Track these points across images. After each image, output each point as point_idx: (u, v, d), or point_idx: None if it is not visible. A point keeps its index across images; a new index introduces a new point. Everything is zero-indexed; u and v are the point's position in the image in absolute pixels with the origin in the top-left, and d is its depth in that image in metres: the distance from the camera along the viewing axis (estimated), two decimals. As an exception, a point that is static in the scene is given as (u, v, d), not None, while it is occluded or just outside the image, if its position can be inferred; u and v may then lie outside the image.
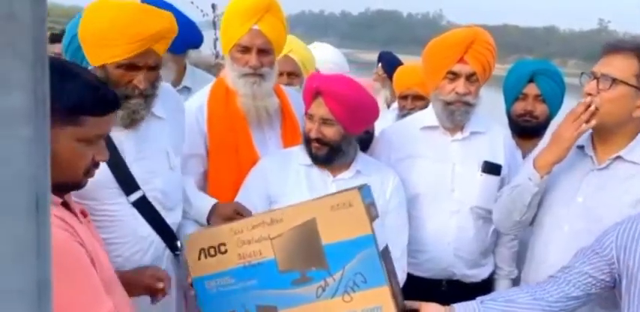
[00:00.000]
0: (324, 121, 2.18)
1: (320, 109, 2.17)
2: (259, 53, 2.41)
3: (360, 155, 2.36)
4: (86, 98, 1.47)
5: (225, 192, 2.40)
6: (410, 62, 3.89)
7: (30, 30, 0.46)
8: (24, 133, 0.47)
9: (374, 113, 2.29)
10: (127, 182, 2.02)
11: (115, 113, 1.58)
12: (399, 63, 4.32)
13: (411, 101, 3.28)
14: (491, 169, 2.49)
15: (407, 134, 2.56)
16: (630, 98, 1.97)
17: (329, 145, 2.22)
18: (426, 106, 3.14)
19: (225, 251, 1.86)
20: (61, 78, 1.46)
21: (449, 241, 2.47)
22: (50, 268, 0.51)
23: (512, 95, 2.82)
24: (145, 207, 2.06)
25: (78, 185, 1.58)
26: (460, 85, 2.39)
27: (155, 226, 2.11)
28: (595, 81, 1.98)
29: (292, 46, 3.04)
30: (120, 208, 2.01)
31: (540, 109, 2.78)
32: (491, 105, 2.75)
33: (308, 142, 2.23)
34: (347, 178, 2.27)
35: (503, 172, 2.51)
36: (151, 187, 2.07)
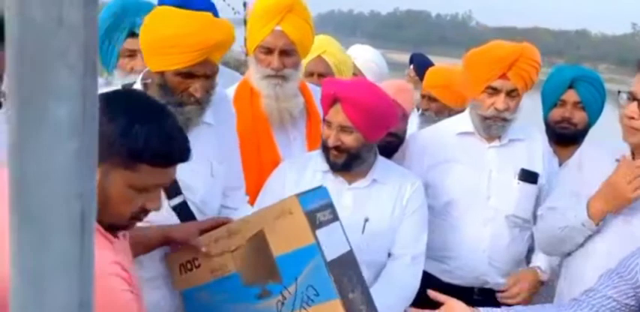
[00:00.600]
0: (343, 129, 2.12)
1: (338, 116, 2.11)
2: (282, 54, 2.39)
3: (380, 162, 2.28)
4: (152, 147, 1.36)
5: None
6: (441, 64, 3.84)
7: (81, 36, 0.42)
8: (70, 147, 0.43)
9: (394, 120, 2.23)
10: (170, 186, 1.98)
11: (175, 169, 1.49)
12: (431, 64, 4.26)
13: (427, 102, 3.24)
14: (529, 177, 2.44)
15: (442, 139, 2.51)
16: None
17: (347, 152, 2.15)
18: (439, 110, 3.12)
19: (199, 266, 1.86)
20: (140, 117, 1.38)
21: (483, 248, 2.42)
22: (92, 290, 0.48)
23: (551, 101, 2.75)
24: (184, 212, 2.04)
25: (123, 228, 1.50)
26: (500, 101, 2.35)
27: None
28: (635, 103, 1.90)
29: (326, 48, 3.01)
30: (160, 212, 1.98)
31: (579, 117, 2.72)
32: (528, 110, 2.69)
33: (326, 148, 2.18)
34: (362, 187, 2.21)
35: (541, 180, 2.46)
36: (192, 193, 2.05)
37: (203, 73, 1.94)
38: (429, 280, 2.34)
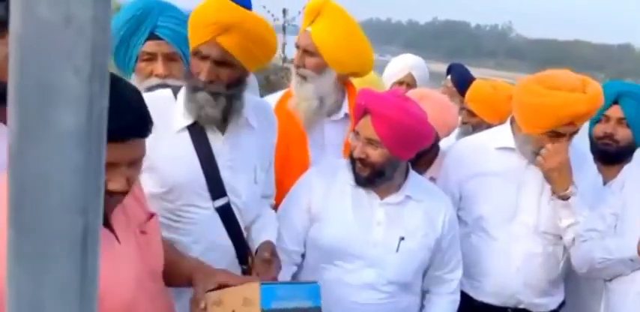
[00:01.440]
0: (369, 142, 2.03)
1: (367, 128, 2.02)
2: (304, 53, 2.39)
3: (412, 178, 2.18)
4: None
5: None
6: (484, 78, 3.77)
7: (89, 36, 0.38)
8: (74, 158, 0.39)
9: (425, 139, 2.11)
10: (215, 186, 1.98)
11: (140, 141, 1.36)
12: (470, 77, 4.18)
13: (466, 115, 3.16)
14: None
15: (480, 152, 2.41)
16: None
17: (372, 167, 2.05)
18: (478, 125, 3.01)
19: None
20: None
21: (517, 266, 2.32)
22: (95, 311, 0.44)
23: (595, 117, 2.63)
24: (227, 215, 2.01)
25: None
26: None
27: (233, 236, 2.06)
28: None
29: None
30: (204, 211, 1.98)
31: (622, 133, 2.61)
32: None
33: (352, 159, 2.09)
34: (394, 203, 2.11)
35: (573, 198, 2.31)
36: (235, 196, 2.02)
37: (209, 54, 1.87)
38: (462, 299, 2.27)
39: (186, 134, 1.95)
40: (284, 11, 11.16)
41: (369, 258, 2.06)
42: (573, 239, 2.24)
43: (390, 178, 2.08)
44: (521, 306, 2.35)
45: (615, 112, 2.60)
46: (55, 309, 0.41)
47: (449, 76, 4.10)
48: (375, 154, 2.03)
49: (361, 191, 2.11)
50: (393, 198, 2.11)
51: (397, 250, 2.07)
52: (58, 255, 0.41)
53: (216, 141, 1.98)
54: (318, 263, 2.12)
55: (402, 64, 3.52)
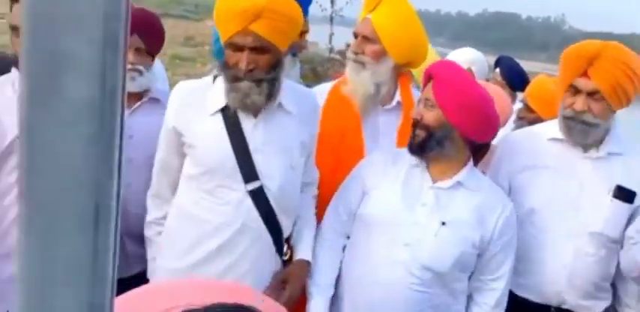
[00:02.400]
0: (426, 103, 2.07)
1: (427, 91, 2.08)
2: (363, 40, 2.42)
3: (471, 168, 2.16)
4: None
5: (321, 176, 2.38)
6: (535, 71, 3.69)
7: (100, 4, 0.37)
8: (85, 130, 0.38)
9: (488, 117, 2.08)
10: (247, 170, 2.02)
11: None
12: (520, 70, 4.08)
13: (525, 110, 3.13)
14: (625, 195, 2.25)
15: (534, 143, 2.37)
16: None
17: (425, 129, 2.06)
18: (534, 121, 2.94)
19: None
20: None
21: (564, 264, 2.25)
22: (106, 293, 0.42)
23: None
24: (260, 198, 2.04)
25: None
26: (579, 102, 2.20)
27: (267, 221, 2.07)
28: None
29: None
30: (236, 194, 2.01)
31: None
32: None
33: (413, 128, 2.12)
34: (445, 188, 2.09)
35: (638, 200, 2.26)
36: (268, 180, 2.04)
37: (244, 43, 1.91)
38: None
39: (219, 117, 2.01)
40: (332, 1, 11.11)
41: (407, 236, 2.05)
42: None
43: (442, 147, 2.06)
44: (565, 306, 2.29)
45: None
46: (66, 282, 0.39)
47: (497, 69, 4.01)
48: (429, 115, 2.05)
49: (417, 171, 2.13)
50: (445, 183, 2.11)
51: (436, 235, 2.04)
52: (69, 231, 0.39)
53: (248, 124, 2.02)
54: (361, 238, 2.14)
55: (462, 59, 3.48)
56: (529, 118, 3.08)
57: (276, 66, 1.97)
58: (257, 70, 1.93)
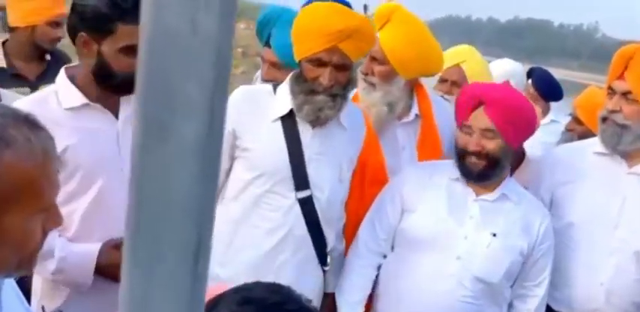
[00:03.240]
0: (484, 133, 2.06)
1: (481, 119, 2.06)
2: (372, 60, 2.38)
3: (510, 179, 2.21)
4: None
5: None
6: (566, 79, 3.66)
7: (214, 46, 0.38)
8: (192, 168, 0.40)
9: (534, 125, 2.17)
10: (300, 178, 2.06)
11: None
12: (553, 80, 4.04)
13: (574, 123, 3.10)
14: None
15: (577, 157, 2.38)
16: None
17: (487, 158, 2.08)
18: (584, 134, 2.93)
19: None
20: None
21: (602, 281, 2.23)
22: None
23: None
24: (308, 207, 2.08)
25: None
26: (612, 103, 2.22)
27: (312, 230, 2.11)
28: None
29: (466, 57, 3.06)
30: (286, 200, 2.07)
31: None
32: None
33: (462, 156, 2.11)
34: (491, 200, 2.13)
35: None
36: (318, 191, 2.10)
37: (330, 60, 1.98)
38: None
39: (279, 124, 2.07)
40: (365, 7, 11.13)
41: (458, 249, 2.08)
42: None
43: (504, 168, 2.10)
44: None
45: None
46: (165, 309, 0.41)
47: (530, 80, 3.97)
48: (492, 145, 2.05)
49: (458, 186, 2.15)
50: (489, 195, 2.14)
51: (488, 246, 2.06)
52: (171, 264, 0.41)
53: (306, 134, 2.08)
54: (406, 253, 2.15)
55: (501, 71, 3.46)
56: (578, 130, 3.05)
57: (350, 83, 2.07)
58: (336, 86, 2.01)
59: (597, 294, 2.24)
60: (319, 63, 1.99)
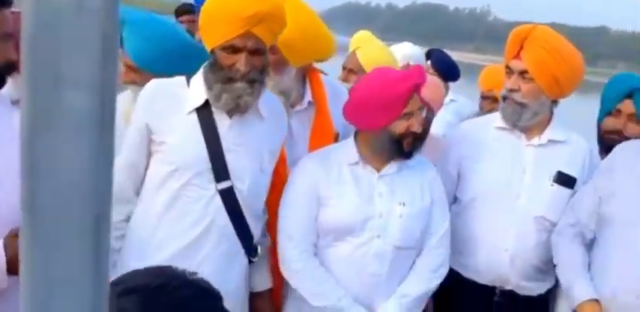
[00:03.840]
0: (421, 112, 2.21)
1: (418, 102, 2.18)
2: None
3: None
4: None
5: None
6: (462, 60, 3.80)
7: (100, 22, 0.39)
8: (86, 142, 0.40)
9: None
10: (219, 169, 2.04)
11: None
12: (450, 61, 4.19)
13: (490, 103, 3.20)
14: (565, 181, 2.35)
15: (480, 132, 2.48)
16: None
17: (423, 134, 2.24)
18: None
19: None
20: None
21: (506, 247, 2.36)
22: (105, 296, 0.44)
23: (606, 109, 2.57)
24: (230, 198, 2.06)
25: None
26: (510, 81, 2.32)
27: (235, 221, 2.09)
28: None
29: (360, 44, 3.05)
30: (206, 192, 2.04)
31: (632, 130, 2.50)
32: (582, 113, 2.61)
33: (399, 141, 2.16)
34: (391, 173, 2.22)
35: (578, 186, 2.36)
36: (239, 182, 2.07)
37: (245, 46, 1.95)
38: (451, 275, 2.31)
39: (195, 116, 2.04)
40: None
41: (376, 229, 2.16)
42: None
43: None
44: (509, 287, 2.39)
45: (627, 107, 2.48)
46: (69, 287, 0.42)
47: (428, 62, 4.08)
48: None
49: (359, 168, 2.22)
50: (388, 169, 2.23)
51: (400, 216, 2.18)
52: (71, 240, 0.41)
53: (223, 124, 2.05)
54: (329, 243, 2.20)
55: (401, 54, 3.49)
56: (497, 108, 3.16)
57: (265, 67, 2.04)
58: (252, 71, 1.98)
59: (502, 260, 2.35)
60: (233, 50, 1.96)
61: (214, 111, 2.04)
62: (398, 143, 2.16)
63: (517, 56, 2.30)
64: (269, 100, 2.15)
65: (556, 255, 2.27)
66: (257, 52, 1.98)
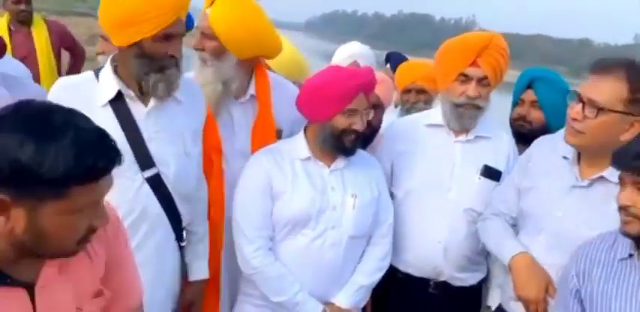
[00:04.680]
0: (367, 112, 2.27)
1: (363, 102, 2.25)
2: (202, 36, 2.40)
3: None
4: (73, 166, 1.13)
5: None
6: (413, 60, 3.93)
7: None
8: None
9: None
10: (143, 157, 2.05)
11: (110, 177, 1.23)
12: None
13: (415, 95, 3.29)
14: (491, 174, 2.47)
15: (412, 129, 2.58)
16: (618, 124, 1.91)
17: (364, 135, 2.33)
18: (428, 100, 3.22)
19: None
20: (43, 137, 1.13)
21: (439, 240, 2.46)
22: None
23: (513, 101, 2.84)
24: (158, 185, 2.09)
25: (73, 253, 1.29)
26: (471, 89, 2.39)
27: (166, 207, 2.12)
28: (581, 106, 1.93)
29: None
30: (133, 183, 2.06)
31: (535, 115, 2.76)
32: (504, 111, 2.75)
33: (340, 137, 2.25)
34: (341, 168, 2.33)
35: (503, 179, 2.47)
36: (164, 167, 2.10)
37: (177, 33, 1.99)
38: (387, 270, 2.42)
39: (109, 109, 2.04)
40: None
41: (331, 221, 2.26)
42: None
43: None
44: (442, 279, 2.49)
45: (529, 95, 2.75)
46: None
47: (388, 65, 4.19)
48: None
49: (311, 163, 2.32)
50: (338, 164, 2.34)
51: (353, 208, 2.30)
52: None
53: (140, 113, 2.06)
54: (285, 236, 2.28)
55: (347, 53, 3.57)
56: (422, 99, 3.29)
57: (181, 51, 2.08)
58: (180, 57, 2.04)
59: (436, 252, 2.45)
60: (166, 37, 1.98)
61: (128, 101, 2.05)
62: (339, 139, 2.25)
63: (474, 64, 2.37)
64: (185, 83, 2.16)
65: (483, 234, 2.34)
66: (180, 37, 2.03)
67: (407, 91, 3.32)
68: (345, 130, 2.23)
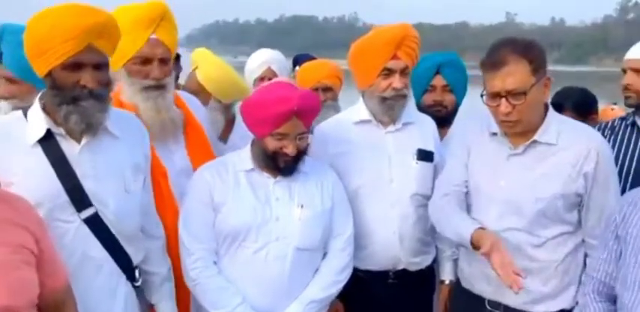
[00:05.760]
0: (300, 137, 2.22)
1: (296, 127, 2.19)
2: (161, 63, 2.40)
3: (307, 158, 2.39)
4: None
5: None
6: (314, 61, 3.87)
7: None
8: None
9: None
10: (78, 197, 1.94)
11: None
12: None
13: (323, 93, 3.28)
14: (425, 156, 2.58)
15: (341, 129, 2.60)
16: (538, 93, 2.04)
17: (300, 156, 2.27)
18: (335, 97, 3.37)
19: None
20: None
21: (393, 230, 2.52)
22: None
23: (422, 88, 2.94)
24: (97, 226, 1.99)
25: None
26: (396, 81, 2.46)
27: (110, 248, 2.03)
28: (505, 100, 2.01)
29: (198, 62, 3.11)
30: (70, 225, 1.96)
31: (449, 99, 2.93)
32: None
33: (273, 157, 2.23)
34: (288, 179, 2.30)
35: (436, 158, 2.59)
36: (103, 206, 1.99)
37: (89, 61, 1.86)
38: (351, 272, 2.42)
39: (39, 149, 1.93)
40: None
41: (274, 233, 2.25)
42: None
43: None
44: (401, 267, 2.58)
45: (439, 81, 2.94)
46: None
47: (297, 67, 4.01)
48: (304, 144, 2.35)
49: (255, 175, 2.31)
50: (290, 178, 2.32)
51: (300, 218, 2.28)
52: None
53: (72, 150, 1.96)
54: (227, 249, 2.28)
55: (260, 60, 3.55)
56: (330, 97, 3.37)
57: (109, 82, 1.97)
58: (99, 86, 1.90)
59: (393, 242, 2.54)
60: (76, 66, 1.85)
61: (59, 139, 1.94)
62: (273, 159, 2.24)
63: (395, 57, 2.44)
64: (121, 118, 2.09)
65: (433, 216, 2.35)
66: (101, 66, 1.89)
67: (314, 90, 3.16)
68: (275, 151, 2.21)
